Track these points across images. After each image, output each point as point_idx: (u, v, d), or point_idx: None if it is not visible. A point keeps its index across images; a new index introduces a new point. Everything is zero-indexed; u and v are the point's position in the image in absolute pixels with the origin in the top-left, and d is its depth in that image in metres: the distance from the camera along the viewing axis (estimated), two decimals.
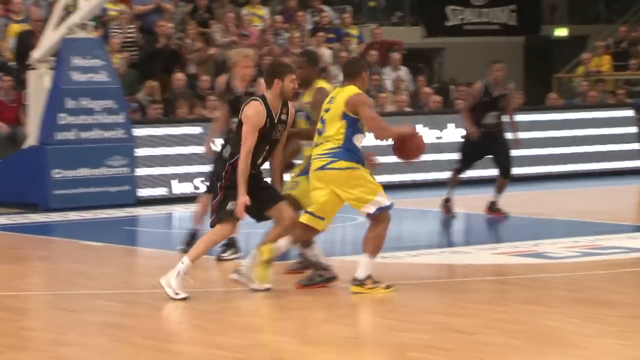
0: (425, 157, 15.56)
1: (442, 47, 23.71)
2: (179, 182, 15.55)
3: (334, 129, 8.69)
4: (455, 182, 13.63)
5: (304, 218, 8.82)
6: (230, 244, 10.60)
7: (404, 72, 20.02)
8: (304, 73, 9.32)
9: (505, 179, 13.46)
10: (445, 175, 14.13)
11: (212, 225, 8.74)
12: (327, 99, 8.86)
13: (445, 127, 17.16)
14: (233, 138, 8.82)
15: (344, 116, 8.66)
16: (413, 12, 23.38)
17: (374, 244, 8.71)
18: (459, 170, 13.65)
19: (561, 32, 24.79)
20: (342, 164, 8.66)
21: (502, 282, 9.39)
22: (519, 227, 13.15)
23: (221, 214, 8.64)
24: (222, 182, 8.67)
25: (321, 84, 9.45)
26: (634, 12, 24.45)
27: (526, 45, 23.36)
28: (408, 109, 18.57)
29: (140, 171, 15.14)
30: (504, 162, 13.49)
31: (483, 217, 13.22)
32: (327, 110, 8.80)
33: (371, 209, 8.68)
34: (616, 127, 18.71)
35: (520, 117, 15.94)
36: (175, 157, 15.53)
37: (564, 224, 12.26)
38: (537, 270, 9.93)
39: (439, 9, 23.38)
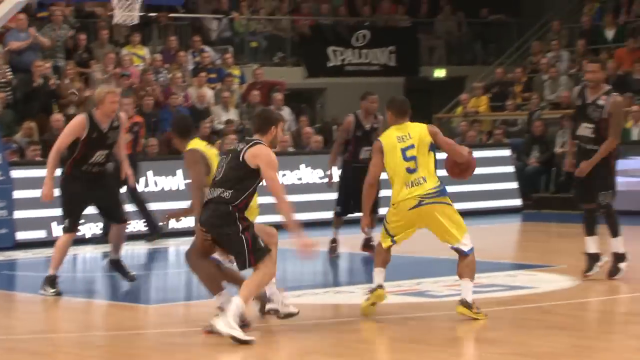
0: (309, 197, 15.77)
1: (324, 88, 23.92)
2: (59, 224, 15.28)
3: None
4: (340, 223, 13.64)
5: None
6: None
7: (286, 112, 20.09)
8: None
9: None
10: (330, 214, 14.09)
11: (253, 266, 8.58)
12: None
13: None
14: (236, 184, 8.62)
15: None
16: (294, 53, 23.51)
17: (471, 270, 9.24)
18: (338, 213, 13.61)
19: (440, 73, 25.23)
20: None
21: (385, 321, 9.44)
22: (402, 265, 13.21)
23: (259, 254, 8.55)
24: (240, 226, 8.55)
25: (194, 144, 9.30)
26: (509, 54, 25.06)
27: (406, 86, 23.67)
28: (291, 149, 18.66)
29: (19, 214, 14.86)
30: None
31: (367, 257, 13.26)
32: None
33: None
34: (494, 167, 19.05)
35: None
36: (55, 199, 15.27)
37: (444, 263, 12.34)
38: (419, 309, 10.02)
39: (320, 49, 23.55)
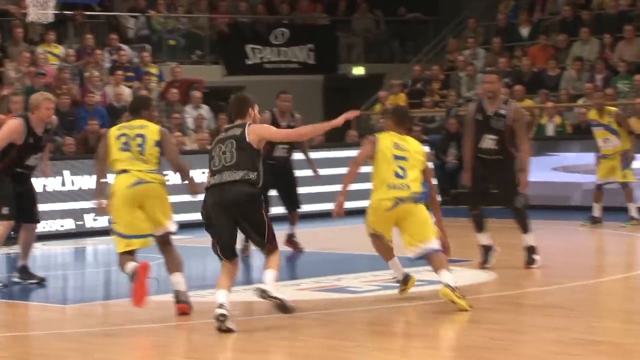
0: None
1: (242, 86, 23.77)
2: None
3: None
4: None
5: None
6: None
7: (205, 110, 20.03)
8: None
9: (295, 211, 13.54)
10: None
11: (272, 245, 8.93)
12: None
13: None
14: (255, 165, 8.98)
15: None
16: (213, 51, 23.43)
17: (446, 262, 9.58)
18: None
19: (358, 70, 25.32)
20: None
21: (304, 317, 9.43)
22: (321, 262, 13.30)
23: (275, 236, 8.97)
24: (263, 208, 8.95)
25: None
26: (426, 51, 25.24)
27: (325, 84, 23.75)
28: (209, 147, 18.54)
29: None
30: (291, 196, 13.54)
31: (286, 254, 13.26)
32: None
33: None
34: None
35: (320, 154, 16.22)
36: None
37: (364, 259, 12.41)
38: (338, 304, 10.03)
39: (238, 47, 23.49)
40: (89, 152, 17.49)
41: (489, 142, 11.46)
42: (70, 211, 16.01)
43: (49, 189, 15.74)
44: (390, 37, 26.25)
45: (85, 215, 16.07)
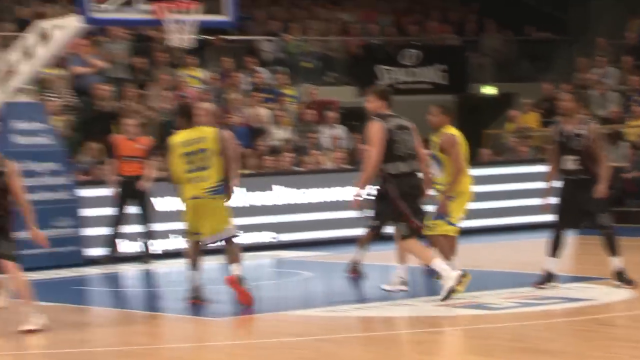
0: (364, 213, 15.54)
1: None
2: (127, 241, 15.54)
3: None
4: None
5: None
6: None
7: (340, 130, 20.28)
8: None
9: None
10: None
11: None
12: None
13: None
14: None
15: None
16: (346, 73, 23.65)
17: None
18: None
19: (489, 90, 25.26)
20: None
21: (445, 333, 9.52)
22: None
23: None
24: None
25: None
26: (556, 70, 25.03)
27: (457, 103, 23.72)
28: (346, 166, 18.80)
29: (88, 231, 15.13)
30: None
31: (422, 270, 13.27)
32: None
33: None
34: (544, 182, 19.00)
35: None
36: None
37: (502, 275, 12.45)
38: (478, 321, 10.08)
39: (370, 69, 23.67)
40: None
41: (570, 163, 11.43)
42: None
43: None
44: (520, 56, 26.13)
45: None
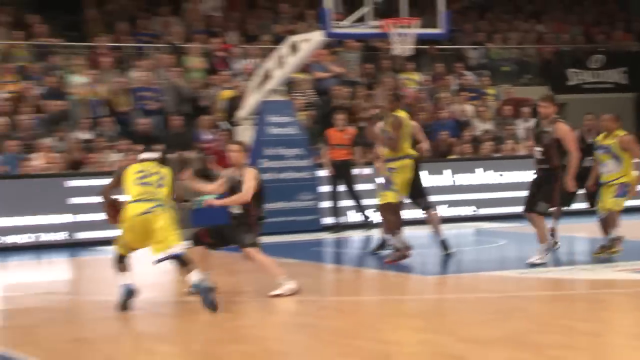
0: None
1: (564, 103, 23.35)
2: (356, 212, 15.71)
3: None
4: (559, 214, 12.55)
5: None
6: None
7: (533, 123, 19.77)
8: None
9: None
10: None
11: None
12: None
13: None
14: None
15: None
16: (539, 75, 23.13)
17: None
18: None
19: None
20: None
21: (618, 294, 9.19)
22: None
23: None
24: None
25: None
26: None
27: (636, 101, 22.75)
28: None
29: (324, 204, 15.41)
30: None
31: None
32: None
33: None
34: None
35: None
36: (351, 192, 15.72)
37: None
38: None
39: (561, 71, 23.09)
40: (441, 156, 17.88)
41: None
42: None
43: None
44: None
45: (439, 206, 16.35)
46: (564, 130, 10.98)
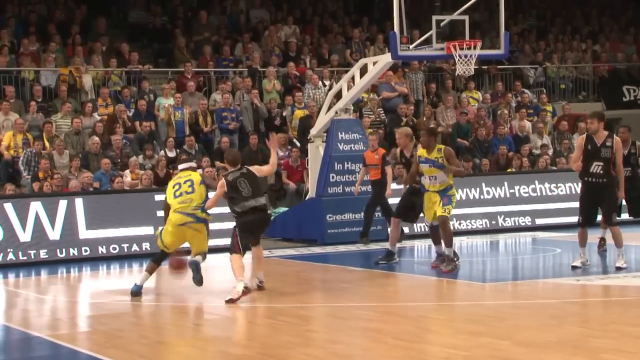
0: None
1: (619, 118, 22.78)
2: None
3: None
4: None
5: None
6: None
7: (582, 138, 19.27)
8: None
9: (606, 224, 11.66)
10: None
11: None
12: None
13: None
14: None
15: None
16: (595, 91, 22.61)
17: None
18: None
19: None
20: None
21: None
22: None
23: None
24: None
25: None
26: None
27: None
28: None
29: None
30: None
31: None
32: None
33: None
34: None
35: None
36: None
37: None
38: None
39: (616, 88, 22.55)
40: (500, 169, 17.56)
41: None
42: (485, 214, 16.08)
43: (470, 197, 15.94)
44: None
45: (497, 217, 16.10)
46: (619, 145, 10.73)
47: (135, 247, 13.72)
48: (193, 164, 10.28)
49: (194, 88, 18.07)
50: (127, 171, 15.33)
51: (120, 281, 12.19)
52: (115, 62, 18.34)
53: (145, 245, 13.61)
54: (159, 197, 14.17)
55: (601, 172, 10.66)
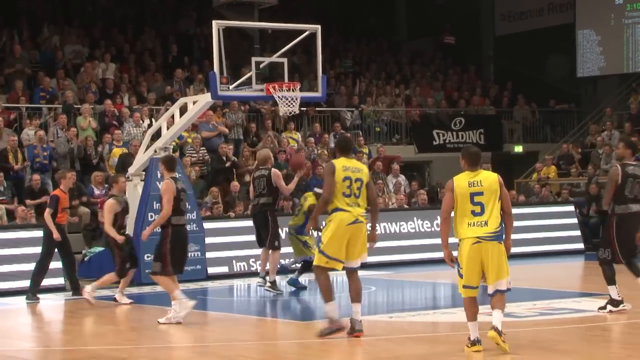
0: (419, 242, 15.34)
1: (430, 160, 23.92)
2: (237, 262, 15.56)
3: None
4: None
5: None
6: None
7: (402, 178, 20.16)
8: None
9: None
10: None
11: None
12: None
13: (435, 219, 17.17)
14: None
15: None
16: (407, 135, 23.59)
17: (503, 304, 8.26)
18: None
19: (518, 148, 24.93)
20: None
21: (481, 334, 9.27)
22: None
23: None
24: None
25: None
26: (572, 134, 24.65)
27: (492, 159, 23.44)
28: (406, 206, 18.65)
29: (209, 254, 15.17)
30: None
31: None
32: None
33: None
34: (562, 219, 18.72)
35: None
36: (234, 243, 15.57)
37: (525, 291, 12.13)
38: (505, 326, 9.78)
39: (427, 132, 23.63)
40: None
41: None
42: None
43: None
44: (543, 123, 25.74)
45: None
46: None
47: None
48: None
49: (4, 124, 17.35)
50: None
51: None
52: None
53: None
54: None
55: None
